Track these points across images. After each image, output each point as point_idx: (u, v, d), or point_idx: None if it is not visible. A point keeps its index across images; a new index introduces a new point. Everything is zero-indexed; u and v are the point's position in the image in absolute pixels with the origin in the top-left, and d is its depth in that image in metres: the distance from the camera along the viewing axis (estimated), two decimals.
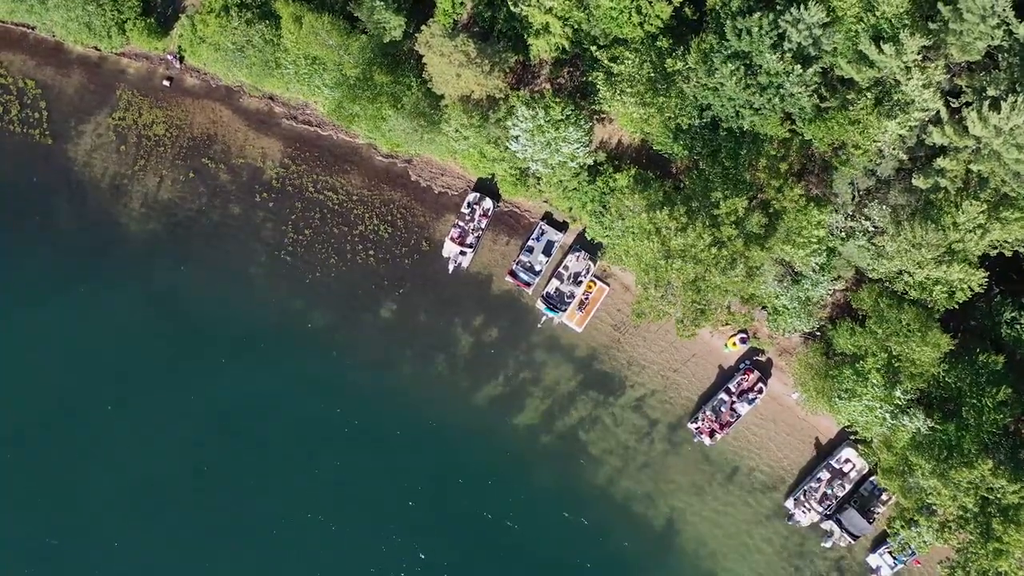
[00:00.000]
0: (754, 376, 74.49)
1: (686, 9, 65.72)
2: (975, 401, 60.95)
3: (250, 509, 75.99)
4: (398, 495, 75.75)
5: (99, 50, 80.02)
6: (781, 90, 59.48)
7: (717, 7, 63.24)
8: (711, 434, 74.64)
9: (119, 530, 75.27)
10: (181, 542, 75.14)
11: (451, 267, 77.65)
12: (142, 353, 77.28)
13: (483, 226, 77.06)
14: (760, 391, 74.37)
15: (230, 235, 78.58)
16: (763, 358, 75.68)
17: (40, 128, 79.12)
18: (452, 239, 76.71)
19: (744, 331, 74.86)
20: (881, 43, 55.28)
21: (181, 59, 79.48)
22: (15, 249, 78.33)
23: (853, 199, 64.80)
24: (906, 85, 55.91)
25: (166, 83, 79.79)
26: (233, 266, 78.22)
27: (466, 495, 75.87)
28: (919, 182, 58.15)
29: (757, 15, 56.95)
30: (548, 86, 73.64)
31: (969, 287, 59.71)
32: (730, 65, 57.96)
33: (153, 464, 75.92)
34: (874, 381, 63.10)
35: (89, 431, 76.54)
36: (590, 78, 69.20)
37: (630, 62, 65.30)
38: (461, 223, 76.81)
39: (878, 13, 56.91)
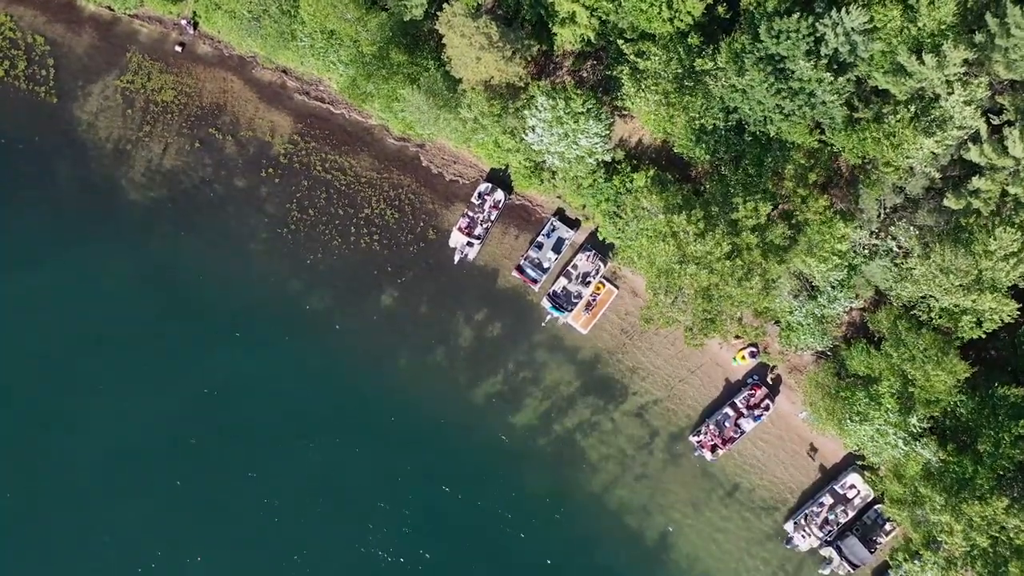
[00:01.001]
0: (761, 392, 72.03)
1: (719, 7, 63.41)
2: (992, 434, 58.41)
3: (234, 491, 73.96)
4: (387, 484, 73.71)
5: (112, 10, 77.97)
6: (812, 98, 56.97)
7: (751, 7, 60.86)
8: (713, 449, 72.23)
9: (98, 503, 73.33)
10: (161, 520, 73.24)
11: (457, 258, 75.37)
12: (134, 323, 75.23)
13: (493, 218, 74.78)
14: (767, 408, 71.91)
15: (232, 209, 76.52)
16: (772, 374, 73.21)
17: (46, 86, 77.09)
18: (460, 229, 74.44)
19: (754, 345, 72.42)
20: (922, 54, 52.69)
21: (195, 25, 77.30)
22: (11, 208, 76.31)
23: (879, 216, 62.28)
24: (946, 101, 53.36)
25: (178, 49, 77.63)
26: (233, 241, 76.19)
27: (456, 491, 73.90)
28: (951, 202, 55.62)
29: (795, 17, 54.43)
30: (570, 78, 71.32)
31: (1000, 318, 57.08)
32: (762, 68, 55.44)
33: (137, 439, 73.90)
34: (888, 406, 60.66)
35: (75, 401, 74.48)
36: (614, 72, 66.88)
37: (657, 58, 63.04)
38: (470, 213, 74.54)
39: (920, 25, 54.42)
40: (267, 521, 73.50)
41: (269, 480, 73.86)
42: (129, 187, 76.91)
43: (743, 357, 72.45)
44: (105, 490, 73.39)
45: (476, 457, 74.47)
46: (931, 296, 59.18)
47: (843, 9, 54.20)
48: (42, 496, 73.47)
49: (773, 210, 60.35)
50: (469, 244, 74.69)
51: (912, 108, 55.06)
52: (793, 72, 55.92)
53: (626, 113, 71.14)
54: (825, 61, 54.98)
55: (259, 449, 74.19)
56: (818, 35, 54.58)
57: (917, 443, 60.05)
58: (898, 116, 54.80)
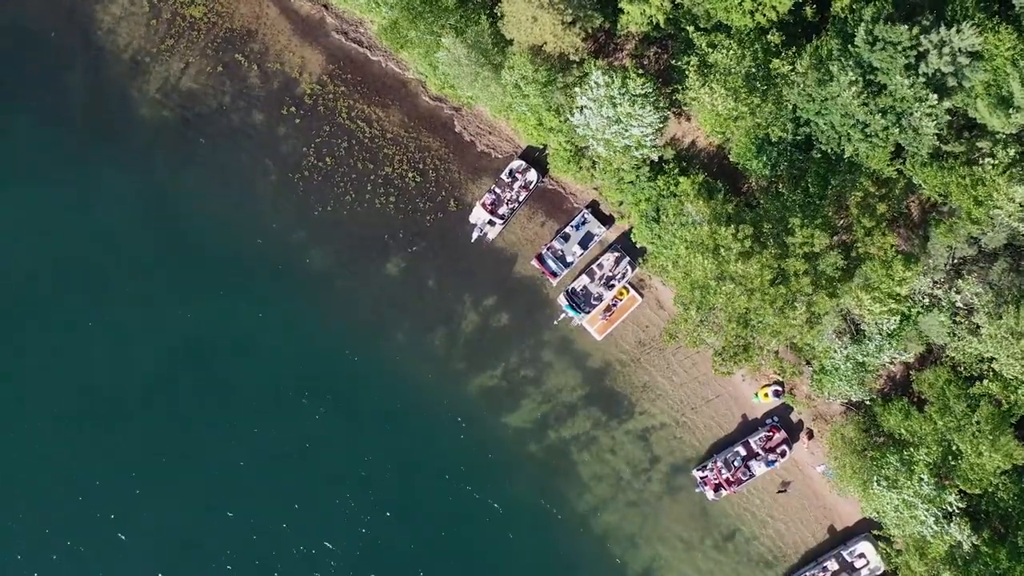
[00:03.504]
0: (779, 436, 65.84)
1: (807, 8, 57.20)
2: None
3: (203, 446, 69.47)
4: (364, 462, 69.22)
5: None
6: (902, 120, 50.49)
7: (844, 14, 54.57)
8: (716, 488, 66.12)
9: (64, 440, 69.14)
10: (124, 466, 69.07)
11: (475, 235, 69.57)
12: (121, 248, 70.74)
13: (521, 199, 68.91)
14: (783, 454, 65.71)
15: (245, 143, 71.42)
16: (794, 418, 66.92)
17: None
18: (484, 205, 68.69)
19: (779, 384, 66.22)
20: None
21: None
22: (13, 106, 71.30)
23: (945, 266, 55.92)
24: None
25: None
26: (241, 177, 71.18)
27: (434, 481, 69.08)
28: None
29: (899, 26, 47.88)
30: (631, 61, 65.25)
31: None
32: (851, 74, 48.95)
33: (108, 375, 69.60)
34: (922, 476, 54.39)
35: (46, 326, 70.17)
36: (679, 63, 60.68)
37: (730, 53, 56.86)
38: (498, 190, 68.78)
39: None
40: (234, 484, 69.11)
41: (242, 439, 69.27)
42: (141, 102, 71.81)
43: (766, 395, 66.30)
44: (72, 426, 69.15)
45: (461, 450, 69.57)
46: (993, 359, 52.70)
47: (954, 26, 47.68)
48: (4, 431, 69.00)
49: (831, 238, 54.07)
50: (491, 223, 68.92)
51: (1011, 151, 48.57)
52: (886, 87, 49.45)
53: (682, 111, 65.19)
54: (923, 81, 48.48)
55: (235, 404, 69.69)
56: (920, 50, 48.03)
57: (948, 523, 53.74)
58: (996, 159, 48.30)
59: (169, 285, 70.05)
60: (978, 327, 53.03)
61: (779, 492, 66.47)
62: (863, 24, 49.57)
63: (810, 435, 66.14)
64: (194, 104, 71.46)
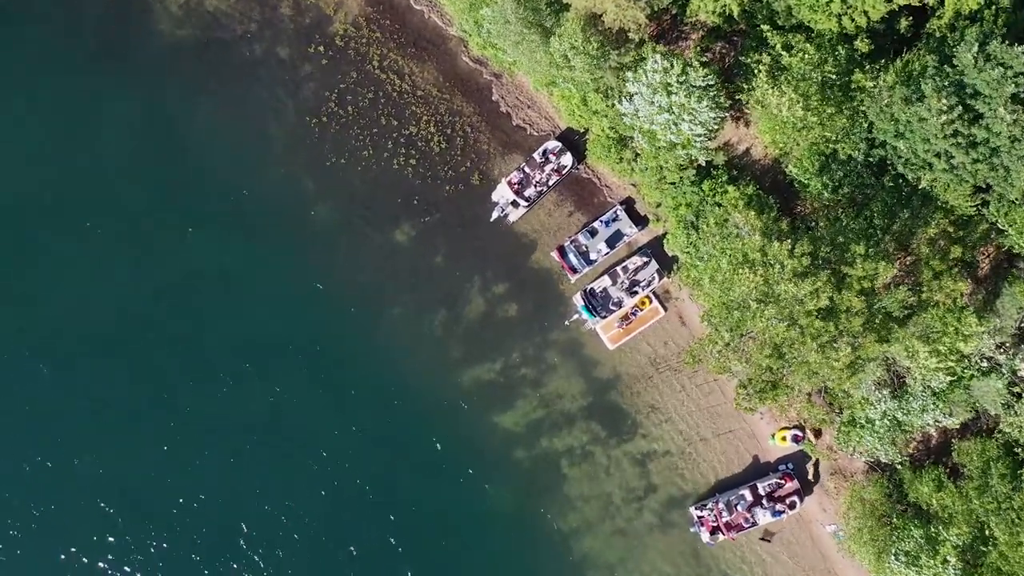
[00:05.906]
0: (791, 485, 59.83)
1: (902, 20, 51.05)
2: None
3: (164, 403, 64.98)
4: (336, 441, 64.55)
5: None
6: (995, 156, 44.24)
7: (943, 31, 48.40)
8: (713, 531, 60.20)
9: (23, 372, 64.92)
10: (85, 405, 64.79)
11: (495, 214, 64.01)
12: (118, 169, 65.80)
13: (551, 183, 63.29)
14: (792, 506, 59.67)
15: (266, 77, 66.51)
16: (810, 469, 60.83)
17: None
18: (510, 183, 63.18)
19: (800, 428, 60.17)
20: None
21: None
22: (24, 7, 66.73)
23: (1013, 328, 49.74)
24: None
25: None
26: (255, 113, 66.21)
27: (408, 472, 64.34)
28: None
29: (1017, 47, 41.58)
30: (694, 52, 59.42)
31: None
32: (947, 99, 42.72)
33: (84, 306, 64.91)
34: (947, 557, 48.38)
35: (32, 245, 65.82)
36: (749, 60, 54.68)
37: (808, 57, 50.79)
38: (527, 169, 63.30)
39: None
40: (202, 439, 64.52)
41: (216, 393, 64.66)
42: (161, 17, 67.07)
43: (783, 438, 60.29)
44: (38, 359, 64.99)
45: (442, 444, 64.63)
46: None
47: None
48: None
49: (894, 272, 48.11)
50: (514, 204, 63.33)
51: None
52: (983, 116, 43.20)
53: (742, 115, 59.31)
54: None
55: (212, 353, 65.24)
56: None
57: None
58: None
59: (160, 215, 65.34)
60: None
61: (762, 539, 60.63)
62: (967, 42, 43.31)
63: (816, 477, 60.10)
64: (216, 27, 66.38)
